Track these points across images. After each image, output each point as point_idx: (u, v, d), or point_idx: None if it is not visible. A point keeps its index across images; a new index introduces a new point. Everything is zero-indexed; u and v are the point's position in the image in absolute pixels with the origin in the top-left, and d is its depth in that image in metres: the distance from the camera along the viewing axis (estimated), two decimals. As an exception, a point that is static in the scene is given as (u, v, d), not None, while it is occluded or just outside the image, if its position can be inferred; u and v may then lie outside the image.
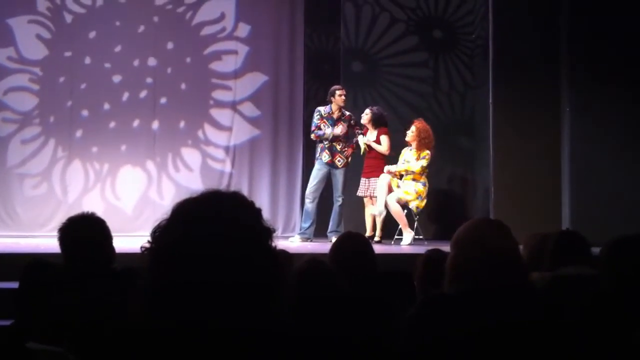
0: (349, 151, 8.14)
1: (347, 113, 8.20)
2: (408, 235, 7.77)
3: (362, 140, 8.05)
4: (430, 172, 8.12)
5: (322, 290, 2.46)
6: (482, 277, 2.02)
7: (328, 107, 8.13)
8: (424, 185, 7.85)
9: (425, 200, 7.86)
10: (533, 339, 1.92)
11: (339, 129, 8.00)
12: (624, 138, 7.90)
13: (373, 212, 7.83)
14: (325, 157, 8.07)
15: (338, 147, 8.09)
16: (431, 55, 9.13)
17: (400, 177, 7.85)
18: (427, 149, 7.84)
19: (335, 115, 8.09)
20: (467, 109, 9.12)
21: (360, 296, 2.60)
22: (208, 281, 1.26)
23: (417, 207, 7.82)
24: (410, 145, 7.90)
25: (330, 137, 8.01)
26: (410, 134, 7.86)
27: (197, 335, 1.24)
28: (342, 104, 8.06)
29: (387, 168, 7.85)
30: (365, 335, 2.25)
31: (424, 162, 7.80)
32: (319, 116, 8.12)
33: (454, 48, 9.17)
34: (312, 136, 8.21)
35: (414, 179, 7.82)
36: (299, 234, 8.15)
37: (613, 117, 7.92)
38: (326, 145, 8.07)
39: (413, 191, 7.78)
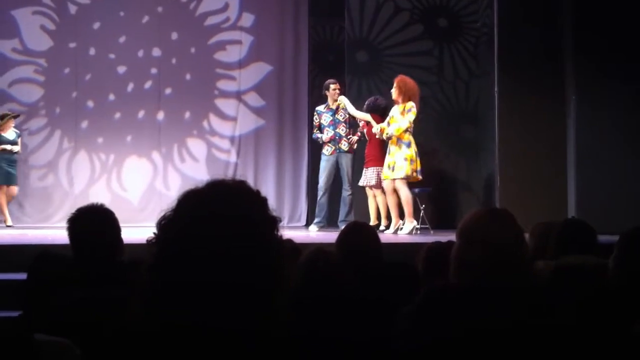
0: (354, 139, 8.16)
1: None
2: (409, 224, 7.51)
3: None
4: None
5: (327, 284, 2.46)
6: (487, 268, 2.02)
7: (325, 104, 8.18)
8: (408, 145, 7.46)
9: (418, 161, 7.49)
10: (531, 338, 1.93)
11: (326, 135, 8.10)
12: (630, 127, 7.87)
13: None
14: (328, 149, 8.13)
15: (342, 133, 8.13)
16: (436, 44, 9.09)
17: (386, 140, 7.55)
18: (410, 99, 7.55)
19: (333, 106, 8.14)
20: (472, 98, 9.09)
21: (367, 295, 2.59)
22: (213, 272, 1.27)
23: (413, 171, 7.44)
24: (398, 103, 7.66)
25: (322, 141, 8.15)
26: (393, 91, 7.66)
27: (200, 330, 1.25)
28: (335, 98, 8.09)
29: (375, 128, 7.58)
30: (371, 335, 2.25)
31: (412, 116, 7.44)
32: (317, 117, 8.21)
33: (459, 36, 9.13)
34: (313, 137, 8.38)
35: (398, 140, 7.44)
36: (315, 223, 8.16)
37: (619, 106, 7.88)
38: (325, 140, 8.13)
39: (402, 159, 7.46)
